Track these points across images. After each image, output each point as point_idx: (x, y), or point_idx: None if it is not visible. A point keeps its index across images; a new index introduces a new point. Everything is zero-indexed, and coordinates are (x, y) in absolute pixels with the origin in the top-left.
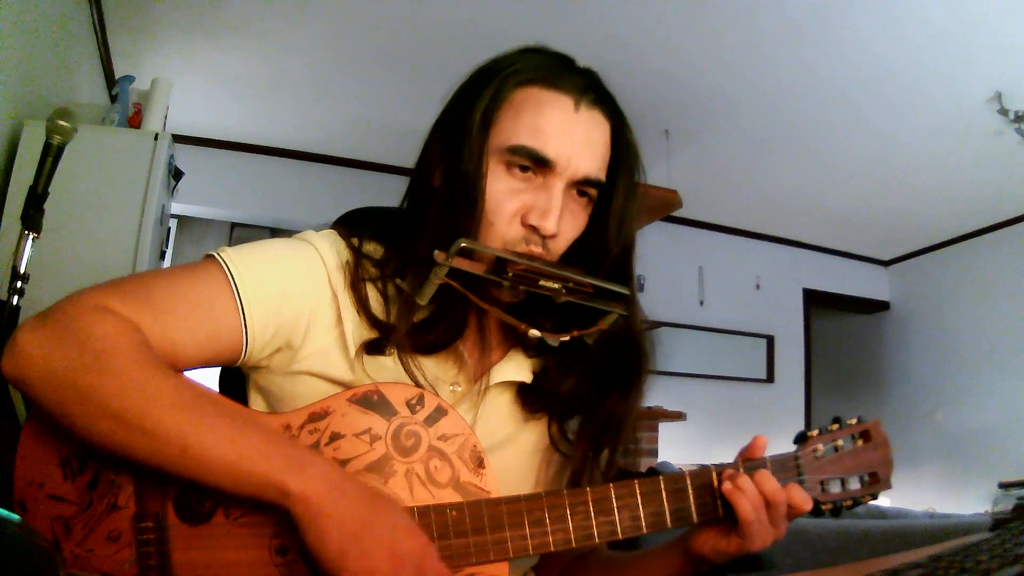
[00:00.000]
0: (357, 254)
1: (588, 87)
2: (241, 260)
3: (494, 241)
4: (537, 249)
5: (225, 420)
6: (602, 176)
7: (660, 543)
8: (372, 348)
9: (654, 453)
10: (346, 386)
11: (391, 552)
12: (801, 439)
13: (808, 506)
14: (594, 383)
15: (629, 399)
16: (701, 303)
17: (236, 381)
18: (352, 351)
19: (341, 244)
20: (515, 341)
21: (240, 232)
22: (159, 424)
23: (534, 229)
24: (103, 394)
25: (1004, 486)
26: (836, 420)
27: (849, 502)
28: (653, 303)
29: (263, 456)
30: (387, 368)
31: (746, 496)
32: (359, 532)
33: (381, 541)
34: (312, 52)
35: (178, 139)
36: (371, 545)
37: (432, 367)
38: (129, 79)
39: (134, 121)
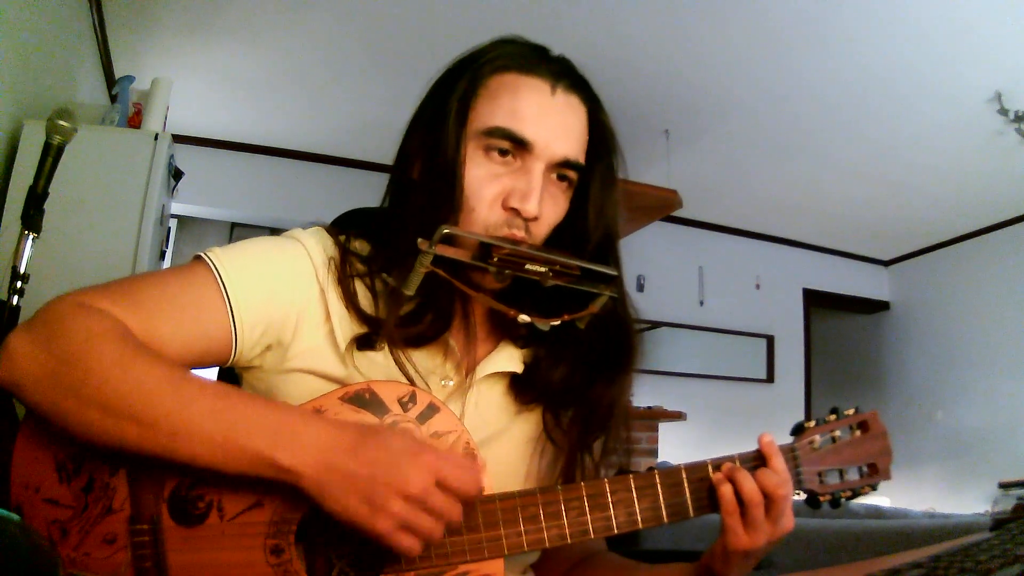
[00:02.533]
0: (344, 251)
1: (563, 73)
2: (228, 259)
3: (476, 227)
4: (520, 233)
5: (210, 397)
6: (581, 159)
7: (662, 543)
8: (363, 343)
9: (654, 453)
10: (339, 382)
11: (405, 494)
12: (798, 431)
13: (781, 490)
14: (585, 371)
15: (619, 385)
16: (701, 303)
17: (236, 383)
18: (342, 347)
19: (328, 241)
20: (504, 333)
21: (240, 232)
22: (146, 408)
23: (516, 212)
24: (89, 384)
25: (1004, 486)
26: (833, 411)
27: (848, 493)
28: (653, 303)
29: (250, 430)
30: (378, 363)
31: (727, 488)
32: (371, 488)
33: (394, 487)
34: (312, 52)
35: (178, 139)
36: (387, 495)
37: (422, 361)
38: (129, 79)
39: (134, 121)
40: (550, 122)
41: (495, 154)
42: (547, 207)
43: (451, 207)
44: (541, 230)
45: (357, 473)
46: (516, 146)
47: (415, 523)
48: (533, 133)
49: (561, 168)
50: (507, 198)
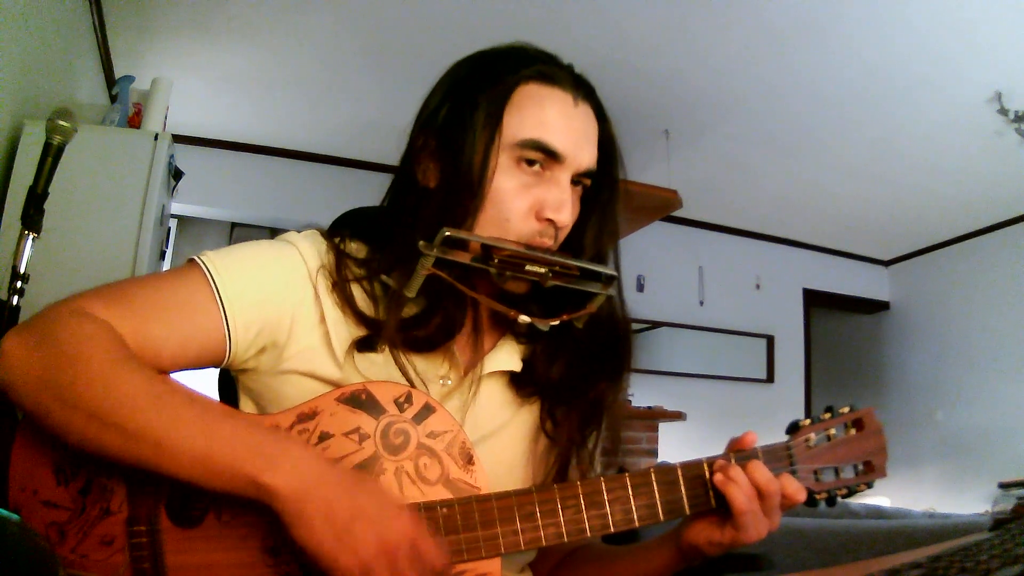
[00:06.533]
0: (339, 253)
1: (579, 82)
2: (221, 263)
3: (510, 237)
4: (549, 241)
5: (196, 414)
6: (595, 167)
7: (655, 535)
8: (362, 345)
9: (654, 453)
10: (335, 384)
11: (380, 542)
12: (793, 429)
13: (801, 496)
14: (581, 368)
15: (613, 383)
16: (701, 303)
17: (232, 385)
18: (338, 349)
19: (323, 244)
20: (505, 328)
21: (240, 232)
22: (131, 419)
23: (549, 223)
24: (77, 391)
25: (1004, 486)
26: (828, 409)
27: (844, 491)
28: (653, 303)
29: (233, 449)
30: (376, 365)
31: (739, 486)
32: (345, 526)
33: (368, 532)
34: (312, 52)
35: (178, 139)
36: (359, 539)
37: (422, 363)
38: (129, 79)
39: (134, 121)
40: (575, 133)
41: (525, 165)
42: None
43: (473, 216)
44: (564, 236)
45: (341, 505)
46: (547, 157)
47: (377, 573)
48: (562, 144)
49: (580, 176)
50: (541, 209)
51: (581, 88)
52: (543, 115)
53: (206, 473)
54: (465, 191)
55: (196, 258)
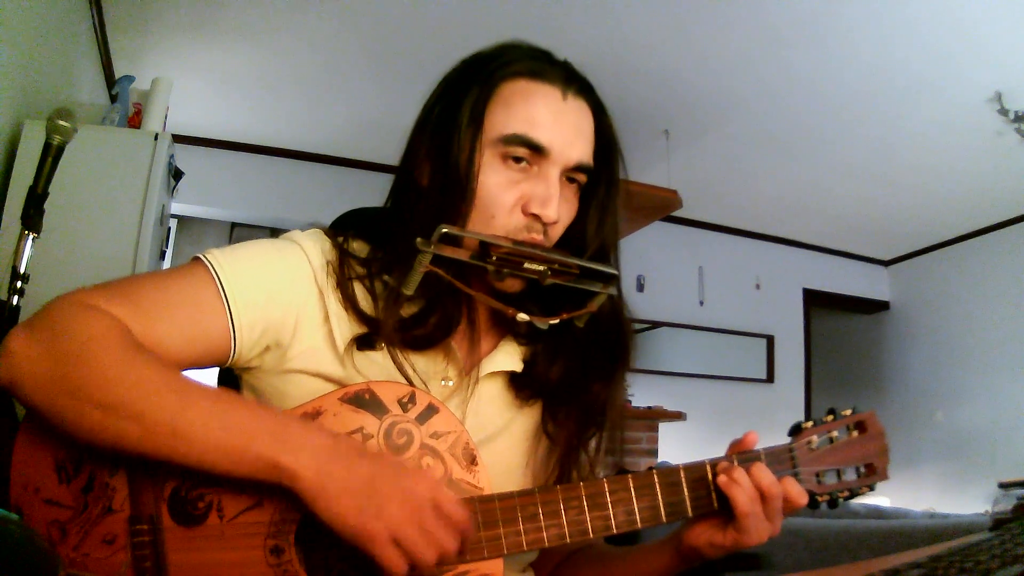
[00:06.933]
0: (342, 252)
1: (572, 77)
2: (227, 261)
3: (496, 232)
4: (539, 236)
5: (211, 401)
6: (591, 162)
7: (658, 536)
8: (362, 343)
9: (654, 453)
10: (338, 383)
11: (404, 500)
12: (796, 431)
13: (803, 500)
14: (582, 368)
15: (614, 383)
16: (701, 303)
17: (234, 384)
18: (341, 348)
19: (327, 243)
20: (506, 329)
21: (240, 232)
22: (147, 409)
23: (535, 217)
24: (90, 385)
25: (1004, 486)
26: (831, 411)
27: (845, 493)
28: (653, 303)
29: (252, 434)
30: (377, 363)
31: (742, 489)
32: (368, 492)
33: (392, 493)
34: (312, 52)
35: (178, 139)
36: (384, 500)
37: (422, 361)
38: (129, 79)
39: (134, 121)
40: (563, 128)
41: (511, 161)
42: (563, 210)
43: (463, 213)
44: (557, 232)
45: (358, 476)
46: (533, 152)
47: (406, 537)
48: (549, 139)
49: (574, 172)
50: (527, 204)
51: (573, 83)
52: (529, 111)
53: (225, 459)
54: (454, 188)
55: (201, 256)
